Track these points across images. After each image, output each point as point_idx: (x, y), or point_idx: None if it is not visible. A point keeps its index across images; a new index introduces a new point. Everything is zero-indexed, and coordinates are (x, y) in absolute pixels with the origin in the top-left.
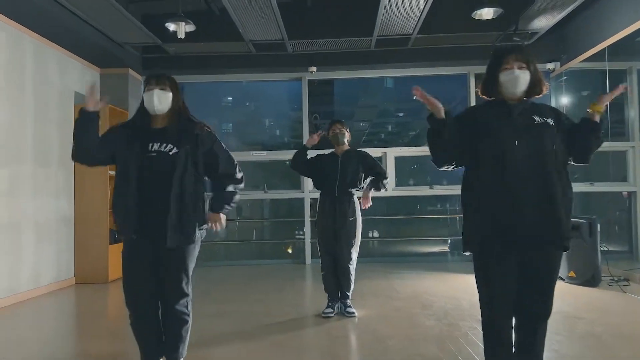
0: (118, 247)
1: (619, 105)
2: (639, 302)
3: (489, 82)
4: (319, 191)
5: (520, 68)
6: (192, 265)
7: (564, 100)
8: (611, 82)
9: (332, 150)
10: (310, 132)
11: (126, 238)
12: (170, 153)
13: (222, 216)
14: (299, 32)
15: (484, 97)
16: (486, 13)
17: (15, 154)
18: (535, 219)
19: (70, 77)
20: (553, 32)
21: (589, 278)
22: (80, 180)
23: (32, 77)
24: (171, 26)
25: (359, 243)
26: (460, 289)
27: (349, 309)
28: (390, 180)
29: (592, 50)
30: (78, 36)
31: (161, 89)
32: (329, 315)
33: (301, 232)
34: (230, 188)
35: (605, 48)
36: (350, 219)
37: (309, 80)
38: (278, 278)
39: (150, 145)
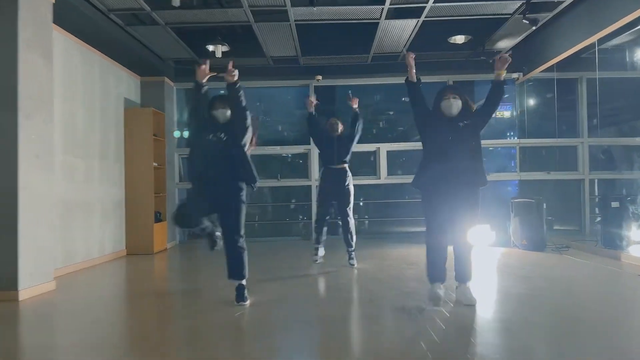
0: (161, 225)
1: (571, 109)
2: (567, 259)
3: (435, 108)
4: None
5: (453, 98)
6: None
7: (530, 102)
8: (565, 88)
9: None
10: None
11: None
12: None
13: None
14: (310, 49)
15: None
16: (459, 38)
17: (89, 151)
18: (459, 173)
19: (122, 86)
20: (516, 48)
21: (536, 245)
22: (129, 171)
23: (99, 88)
24: (210, 47)
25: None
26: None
27: (351, 260)
28: (382, 170)
29: (545, 65)
30: (132, 53)
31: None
32: (319, 259)
33: (303, 217)
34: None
35: (554, 65)
36: (347, 186)
37: (315, 86)
38: (291, 250)
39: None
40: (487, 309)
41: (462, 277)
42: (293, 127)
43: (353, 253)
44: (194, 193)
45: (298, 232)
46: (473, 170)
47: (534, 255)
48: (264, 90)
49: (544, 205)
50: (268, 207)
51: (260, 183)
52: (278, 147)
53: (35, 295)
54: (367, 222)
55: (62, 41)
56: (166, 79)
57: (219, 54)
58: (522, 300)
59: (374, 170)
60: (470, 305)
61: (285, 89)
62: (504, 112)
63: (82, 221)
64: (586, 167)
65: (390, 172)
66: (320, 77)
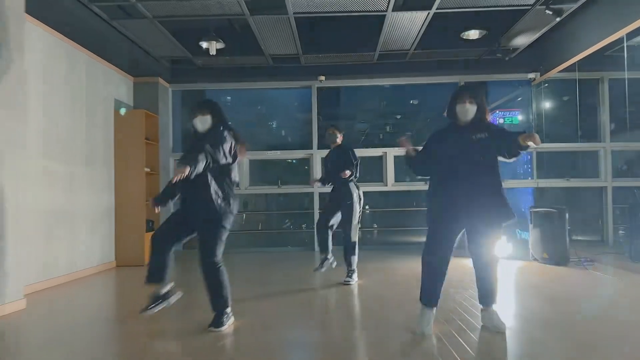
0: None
1: (592, 111)
2: (593, 275)
3: (450, 110)
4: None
5: (469, 103)
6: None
7: (546, 105)
8: (583, 90)
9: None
10: (320, 134)
11: None
12: None
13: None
14: (312, 47)
15: (448, 117)
16: (473, 34)
17: (72, 155)
18: (466, 203)
19: (111, 86)
20: (533, 47)
21: (559, 259)
22: (119, 177)
23: (85, 88)
24: (204, 44)
25: (357, 222)
26: (450, 268)
27: (346, 279)
28: (389, 176)
29: (566, 63)
30: (121, 51)
31: (201, 114)
32: (321, 268)
33: (304, 225)
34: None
35: (576, 63)
36: (347, 202)
37: (317, 87)
38: (292, 262)
39: None
40: (512, 337)
41: (486, 299)
42: (296, 131)
43: (352, 273)
44: None
45: (300, 243)
46: (491, 200)
47: (557, 271)
48: (263, 92)
49: (567, 215)
50: (268, 215)
51: (259, 190)
52: (279, 152)
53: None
54: (375, 232)
55: (43, 36)
56: (160, 80)
57: (213, 51)
58: (554, 326)
59: (380, 177)
60: (499, 333)
61: (287, 90)
62: (512, 118)
63: (65, 232)
64: (609, 173)
65: (398, 179)
66: (323, 78)
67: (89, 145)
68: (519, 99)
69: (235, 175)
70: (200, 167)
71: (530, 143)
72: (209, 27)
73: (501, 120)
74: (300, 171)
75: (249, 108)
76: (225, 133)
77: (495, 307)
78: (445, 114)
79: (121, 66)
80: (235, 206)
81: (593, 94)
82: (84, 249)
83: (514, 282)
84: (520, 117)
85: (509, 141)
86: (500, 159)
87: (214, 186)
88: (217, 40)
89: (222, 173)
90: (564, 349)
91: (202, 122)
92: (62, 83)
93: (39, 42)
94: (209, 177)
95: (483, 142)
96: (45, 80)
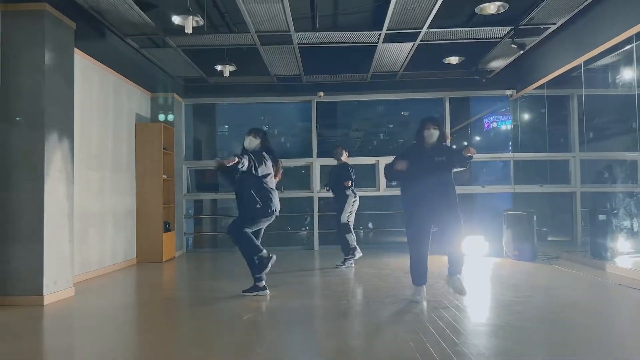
0: (170, 235)
1: (563, 123)
2: (555, 269)
3: (419, 134)
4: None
5: (434, 129)
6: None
7: (525, 117)
8: (557, 104)
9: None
10: (319, 141)
11: None
12: None
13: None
14: (312, 69)
15: (416, 141)
16: (453, 59)
17: (102, 163)
18: (434, 207)
19: (133, 102)
20: (508, 68)
21: (528, 255)
22: (140, 182)
23: (112, 105)
24: (218, 67)
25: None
26: (436, 264)
27: (338, 263)
28: (382, 182)
29: (537, 83)
30: (143, 72)
31: (253, 137)
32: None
33: (306, 228)
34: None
35: (545, 83)
36: (342, 198)
37: (317, 102)
38: (296, 258)
39: None
40: (475, 313)
41: (453, 269)
42: (295, 139)
43: (345, 259)
44: None
45: (300, 242)
46: (447, 204)
47: (525, 265)
48: (268, 105)
49: (535, 217)
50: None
51: None
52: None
53: (58, 301)
54: (370, 233)
55: (81, 62)
56: (175, 95)
57: (226, 74)
58: (508, 306)
59: (373, 183)
60: (461, 296)
61: (289, 103)
62: (505, 125)
63: (97, 231)
64: (577, 180)
65: (389, 184)
66: (322, 94)
67: (115, 154)
68: (503, 109)
69: (272, 183)
70: (245, 164)
71: (469, 154)
72: (223, 53)
73: (494, 124)
74: (299, 177)
75: (253, 118)
76: (265, 156)
77: (459, 276)
78: (414, 139)
79: (142, 84)
80: (268, 205)
81: (566, 108)
82: (111, 247)
83: (486, 274)
84: (504, 127)
85: (457, 157)
86: (454, 170)
87: (253, 191)
88: (230, 64)
89: (260, 182)
90: (516, 320)
91: (250, 142)
92: (94, 101)
93: (78, 66)
94: (250, 185)
95: (442, 163)
96: (81, 99)
